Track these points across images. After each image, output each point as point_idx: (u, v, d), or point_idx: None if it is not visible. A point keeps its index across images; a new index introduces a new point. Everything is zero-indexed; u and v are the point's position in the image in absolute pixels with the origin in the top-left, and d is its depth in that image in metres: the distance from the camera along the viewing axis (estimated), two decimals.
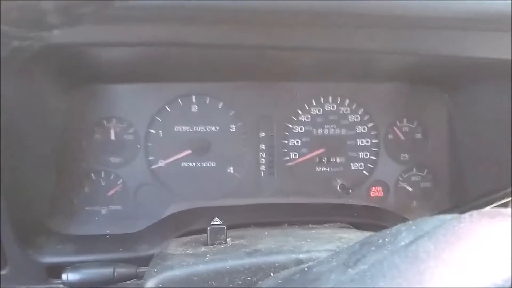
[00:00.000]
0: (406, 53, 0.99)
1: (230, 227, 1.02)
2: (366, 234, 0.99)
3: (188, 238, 0.89)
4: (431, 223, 0.51)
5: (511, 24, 0.86)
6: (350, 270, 0.50)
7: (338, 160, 1.32)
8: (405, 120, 1.33)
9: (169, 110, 1.23)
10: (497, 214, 0.44)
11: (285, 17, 0.86)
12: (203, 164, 1.26)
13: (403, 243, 0.49)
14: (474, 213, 0.47)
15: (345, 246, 0.61)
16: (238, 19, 0.85)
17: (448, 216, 0.52)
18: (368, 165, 1.33)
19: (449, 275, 0.38)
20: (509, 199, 1.08)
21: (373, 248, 0.52)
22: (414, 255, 0.42)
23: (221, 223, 0.80)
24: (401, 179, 1.33)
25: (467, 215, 0.47)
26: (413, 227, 0.53)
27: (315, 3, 0.83)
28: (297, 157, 1.31)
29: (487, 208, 0.49)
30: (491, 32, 0.92)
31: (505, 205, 1.10)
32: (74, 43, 0.83)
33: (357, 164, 1.33)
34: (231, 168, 1.28)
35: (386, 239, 0.53)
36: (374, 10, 0.84)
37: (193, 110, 1.24)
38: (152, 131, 1.22)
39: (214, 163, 1.27)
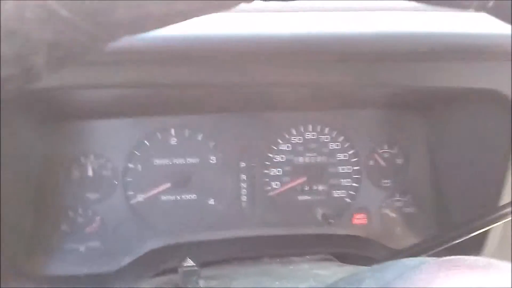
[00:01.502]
0: (380, 86, 1.00)
1: (209, 263, 1.01)
2: (345, 268, 0.98)
3: (162, 278, 0.87)
4: (394, 271, 0.50)
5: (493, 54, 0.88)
6: None
7: (320, 188, 1.31)
8: (385, 145, 1.33)
9: (147, 144, 1.22)
10: (452, 266, 0.44)
11: (259, 55, 0.87)
12: (183, 197, 1.25)
13: None
14: (433, 262, 0.46)
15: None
16: (212, 59, 0.86)
17: (412, 262, 0.51)
18: (350, 192, 1.32)
19: None
20: (493, 225, 1.08)
21: None
22: None
23: (193, 264, 0.79)
24: (384, 205, 1.33)
25: (426, 264, 0.46)
26: (377, 274, 0.52)
27: (288, 40, 0.84)
28: (278, 187, 1.30)
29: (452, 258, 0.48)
30: (473, 62, 0.94)
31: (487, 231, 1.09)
32: (53, 87, 0.84)
33: (339, 191, 1.32)
34: (212, 199, 1.27)
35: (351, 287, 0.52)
36: (348, 45, 0.85)
37: (172, 143, 1.24)
38: (131, 165, 1.21)
39: (195, 195, 1.26)
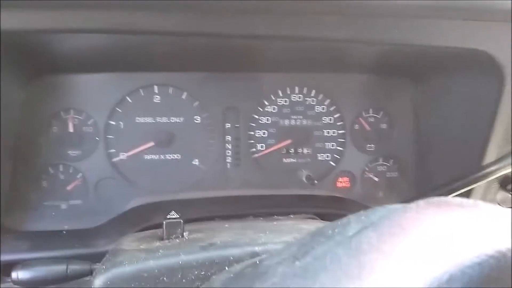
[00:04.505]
0: (372, 42, 0.97)
1: (194, 221, 1.00)
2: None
3: (145, 232, 0.86)
4: (379, 213, 0.50)
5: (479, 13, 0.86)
6: (297, 262, 0.48)
7: (305, 151, 1.31)
8: (371, 110, 1.33)
9: (130, 101, 1.19)
10: (443, 204, 0.43)
11: (246, 4, 0.84)
12: (167, 157, 1.23)
13: (350, 234, 0.47)
14: (421, 202, 0.46)
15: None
16: (196, 5, 0.82)
17: (398, 206, 0.51)
18: (335, 155, 1.32)
19: (389, 269, 0.36)
20: (471, 187, 1.09)
21: (322, 239, 0.51)
22: (357, 247, 0.41)
23: (178, 216, 0.78)
24: (367, 169, 1.33)
25: (413, 204, 0.46)
26: (363, 217, 0.52)
27: None
28: (263, 149, 1.29)
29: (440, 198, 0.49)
30: (459, 20, 0.92)
31: (467, 193, 1.11)
32: (34, 29, 0.79)
33: (323, 155, 1.32)
34: (197, 160, 1.25)
35: (336, 230, 0.51)
36: None
37: (155, 100, 1.21)
38: (112, 122, 1.18)
39: (179, 155, 1.24)
